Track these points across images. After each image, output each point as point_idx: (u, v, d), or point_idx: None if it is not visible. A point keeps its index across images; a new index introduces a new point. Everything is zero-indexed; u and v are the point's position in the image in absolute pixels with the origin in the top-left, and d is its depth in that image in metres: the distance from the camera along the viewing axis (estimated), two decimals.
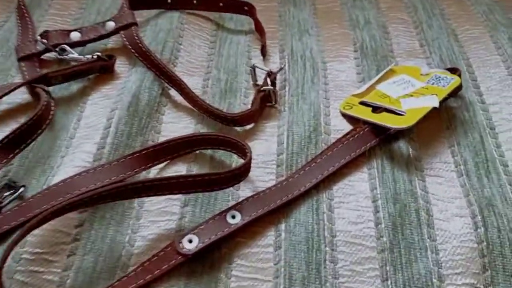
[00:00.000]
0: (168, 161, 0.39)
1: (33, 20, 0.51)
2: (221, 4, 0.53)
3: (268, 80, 0.44)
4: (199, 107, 0.43)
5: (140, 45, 0.45)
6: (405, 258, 0.34)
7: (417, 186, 0.38)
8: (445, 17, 0.54)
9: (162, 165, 0.39)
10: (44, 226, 0.34)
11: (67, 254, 0.34)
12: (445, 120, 0.43)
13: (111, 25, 0.48)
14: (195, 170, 0.39)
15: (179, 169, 0.39)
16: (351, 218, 0.36)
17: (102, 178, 0.37)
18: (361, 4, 0.56)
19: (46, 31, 0.47)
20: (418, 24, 0.54)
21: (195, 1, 0.53)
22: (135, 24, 0.47)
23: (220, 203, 0.37)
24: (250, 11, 0.52)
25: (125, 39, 0.46)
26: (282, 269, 0.34)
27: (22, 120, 0.41)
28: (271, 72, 0.44)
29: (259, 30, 0.51)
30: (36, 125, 0.38)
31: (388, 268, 0.34)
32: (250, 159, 0.36)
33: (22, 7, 0.52)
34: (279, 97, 0.45)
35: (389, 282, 0.33)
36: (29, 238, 0.34)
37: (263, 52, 0.49)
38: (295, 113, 0.43)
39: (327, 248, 0.35)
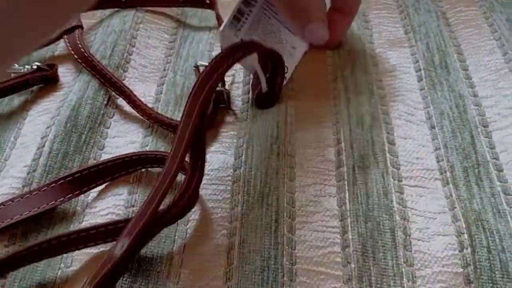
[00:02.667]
0: (107, 183, 0.34)
1: None
2: None
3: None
4: (148, 117, 0.38)
5: (83, 50, 0.41)
6: (376, 279, 0.29)
7: (394, 199, 0.33)
8: None
9: (101, 187, 0.34)
10: None
11: None
12: (430, 118, 0.38)
13: None
14: (139, 192, 0.34)
15: (119, 191, 0.34)
16: (314, 241, 0.31)
17: (31, 207, 0.33)
18: None
19: None
20: (403, 8, 0.47)
21: None
22: (80, 27, 0.43)
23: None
24: (212, 5, 0.47)
25: (68, 44, 0.42)
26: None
27: None
28: None
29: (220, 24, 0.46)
30: None
31: None
32: (198, 185, 0.31)
33: None
34: (242, 102, 0.40)
35: None
36: None
37: None
38: (257, 122, 0.38)
39: (285, 279, 0.30)
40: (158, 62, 0.44)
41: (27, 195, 0.33)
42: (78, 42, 0.41)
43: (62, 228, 0.33)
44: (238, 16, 0.38)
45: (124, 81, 0.41)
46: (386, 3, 0.48)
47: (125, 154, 0.34)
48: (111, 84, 0.39)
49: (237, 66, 0.42)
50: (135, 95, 0.38)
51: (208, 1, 0.47)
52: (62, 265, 0.31)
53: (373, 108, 0.38)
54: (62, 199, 0.33)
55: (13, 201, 0.32)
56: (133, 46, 0.45)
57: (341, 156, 0.35)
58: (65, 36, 0.43)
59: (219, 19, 0.46)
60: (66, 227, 0.33)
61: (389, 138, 0.36)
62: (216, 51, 0.45)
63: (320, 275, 0.30)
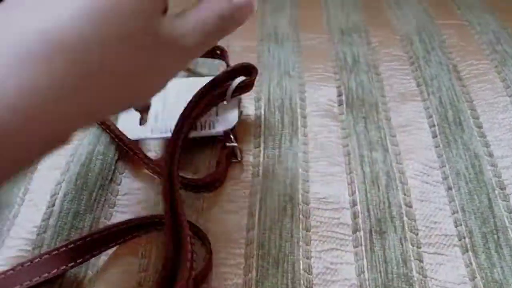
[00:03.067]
0: (115, 247, 0.33)
1: None
2: None
3: (231, 136, 0.38)
4: (157, 173, 0.37)
5: None
6: None
7: (413, 268, 0.32)
8: (446, 50, 0.48)
9: (113, 249, 0.33)
10: None
11: None
12: (446, 179, 0.37)
13: None
14: (152, 255, 0.33)
15: (132, 254, 0.33)
16: None
17: (41, 272, 0.31)
18: (350, 39, 0.50)
19: None
20: (414, 60, 0.47)
21: None
22: None
23: None
24: (222, 55, 0.47)
25: None
26: None
27: None
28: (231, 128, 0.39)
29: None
30: None
31: None
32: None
33: None
34: (254, 157, 0.39)
35: None
36: None
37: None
38: (269, 180, 0.37)
39: None
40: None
41: (37, 259, 0.32)
42: None
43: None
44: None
45: None
46: (396, 55, 0.48)
47: (138, 217, 0.34)
48: (120, 140, 0.38)
49: (248, 119, 0.42)
50: (142, 152, 0.38)
51: (218, 52, 0.47)
52: None
53: (388, 166, 0.38)
54: (73, 263, 0.32)
55: (22, 266, 0.31)
56: None
57: (358, 219, 0.35)
58: None
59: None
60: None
61: (406, 200, 0.36)
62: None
63: None
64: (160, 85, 0.26)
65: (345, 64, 0.47)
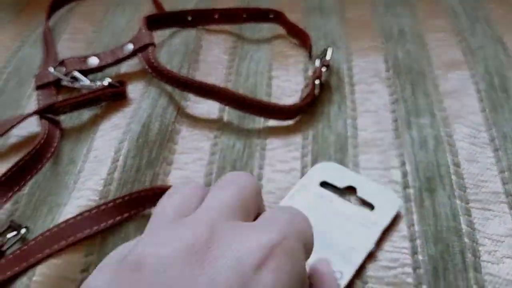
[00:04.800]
0: None
1: (56, 47, 0.49)
2: (244, 15, 0.49)
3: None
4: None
5: (156, 64, 0.42)
6: None
7: (462, 222, 0.33)
8: (491, 23, 0.49)
9: None
10: (47, 270, 0.31)
11: None
12: (493, 141, 0.38)
13: (129, 47, 0.45)
14: None
15: None
16: (385, 261, 0.32)
17: (104, 220, 0.34)
18: (394, 11, 0.51)
19: (63, 59, 0.45)
20: (459, 32, 0.48)
21: (216, 16, 0.49)
22: (153, 44, 0.44)
23: None
24: (277, 18, 0.48)
25: (142, 59, 0.44)
26: None
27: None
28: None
29: (295, 33, 0.47)
30: (35, 160, 0.36)
31: None
32: None
33: (47, 34, 0.50)
34: (304, 122, 0.41)
35: None
36: (33, 284, 0.31)
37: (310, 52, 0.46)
38: (320, 144, 0.39)
39: None
40: (219, 82, 0.45)
41: (103, 207, 0.34)
42: (152, 58, 0.43)
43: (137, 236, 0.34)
44: None
45: (188, 102, 0.43)
46: (441, 26, 0.49)
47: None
48: (190, 88, 0.41)
49: None
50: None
51: (271, 16, 0.48)
52: None
53: (436, 130, 0.39)
54: (135, 211, 0.34)
55: (90, 212, 0.34)
56: (196, 70, 0.46)
57: (407, 178, 0.36)
58: (139, 54, 0.44)
59: (290, 28, 0.48)
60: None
61: (454, 161, 0.37)
62: (275, 70, 0.46)
63: None
64: None
65: (390, 34, 0.48)
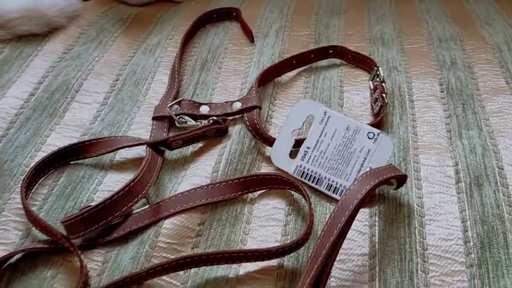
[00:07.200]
0: (264, 190, 0.44)
1: (179, 85, 0.55)
2: (312, 55, 0.58)
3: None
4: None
5: (258, 126, 0.48)
6: (493, 274, 0.37)
7: (504, 210, 0.41)
8: None
9: (258, 193, 0.44)
10: (174, 221, 0.41)
11: (191, 247, 0.40)
12: None
13: (237, 105, 0.52)
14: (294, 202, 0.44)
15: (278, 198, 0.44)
16: (441, 235, 0.40)
17: (211, 196, 0.43)
18: (447, 45, 0.60)
19: (181, 100, 0.52)
20: (503, 64, 0.57)
21: (294, 61, 0.57)
22: (259, 107, 0.51)
23: (318, 215, 0.42)
24: (335, 53, 0.59)
25: (246, 120, 0.50)
26: (376, 277, 0.37)
27: (131, 174, 0.46)
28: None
29: (358, 59, 0.58)
30: (135, 189, 0.41)
31: (476, 282, 0.37)
32: (309, 230, 0.39)
33: (176, 68, 0.57)
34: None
35: None
36: (163, 230, 0.40)
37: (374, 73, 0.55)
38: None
39: (419, 260, 0.38)
40: (298, 93, 0.55)
41: (211, 185, 0.43)
42: (256, 120, 0.49)
43: (238, 208, 0.43)
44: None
45: (272, 119, 0.52)
46: (487, 59, 0.58)
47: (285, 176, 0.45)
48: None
49: None
50: None
51: (331, 51, 0.58)
52: (241, 232, 0.41)
53: (483, 141, 0.47)
54: (240, 192, 0.43)
55: (201, 188, 0.43)
56: (279, 83, 0.56)
57: (459, 174, 0.44)
58: (245, 113, 0.51)
59: (349, 61, 0.57)
60: (241, 210, 0.43)
61: (498, 164, 0.45)
62: (345, 86, 0.55)
63: (447, 260, 0.38)
64: None
65: (444, 63, 0.57)
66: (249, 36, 0.63)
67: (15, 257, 0.40)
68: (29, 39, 0.61)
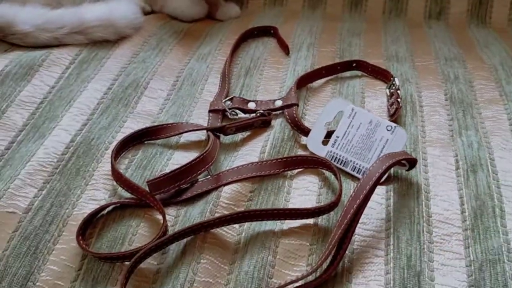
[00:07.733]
0: (301, 169, 0.55)
1: (229, 86, 0.67)
2: (338, 67, 0.70)
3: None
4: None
5: (296, 119, 0.60)
6: (483, 236, 0.48)
7: (494, 190, 0.52)
8: None
9: (296, 171, 0.55)
10: (232, 187, 0.51)
11: (244, 209, 0.50)
12: None
13: (279, 103, 0.63)
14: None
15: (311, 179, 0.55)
16: (443, 206, 0.50)
17: (259, 171, 0.54)
18: (451, 64, 0.72)
19: (233, 96, 0.64)
20: (498, 80, 0.68)
21: (323, 72, 0.69)
22: (297, 104, 0.62)
23: (344, 190, 0.53)
24: (357, 66, 0.70)
25: (286, 114, 0.61)
26: (391, 235, 0.48)
27: (194, 152, 0.56)
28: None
29: (377, 72, 0.69)
30: (199, 164, 0.52)
31: (469, 241, 0.47)
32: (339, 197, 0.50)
33: (226, 69, 0.69)
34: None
35: (470, 250, 0.47)
36: (223, 194, 0.51)
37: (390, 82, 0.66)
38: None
39: (425, 224, 0.49)
40: (324, 95, 0.66)
41: (259, 163, 0.54)
42: (295, 115, 0.60)
43: (281, 181, 0.53)
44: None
45: (306, 116, 0.63)
46: (485, 76, 0.69)
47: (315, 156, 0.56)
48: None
49: None
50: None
51: (354, 65, 0.70)
52: (283, 200, 0.52)
53: (479, 139, 0.58)
54: (283, 169, 0.54)
55: (248, 165, 0.54)
56: (310, 88, 0.67)
57: (459, 163, 0.55)
58: (286, 110, 0.61)
59: (369, 73, 0.69)
60: (283, 183, 0.53)
61: (490, 157, 0.56)
62: (366, 92, 0.66)
63: (447, 225, 0.49)
64: None
65: (448, 78, 0.69)
66: (285, 49, 0.75)
67: (106, 210, 0.50)
68: (102, 44, 0.73)
